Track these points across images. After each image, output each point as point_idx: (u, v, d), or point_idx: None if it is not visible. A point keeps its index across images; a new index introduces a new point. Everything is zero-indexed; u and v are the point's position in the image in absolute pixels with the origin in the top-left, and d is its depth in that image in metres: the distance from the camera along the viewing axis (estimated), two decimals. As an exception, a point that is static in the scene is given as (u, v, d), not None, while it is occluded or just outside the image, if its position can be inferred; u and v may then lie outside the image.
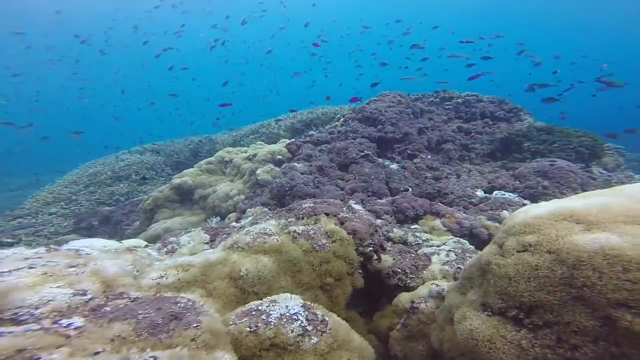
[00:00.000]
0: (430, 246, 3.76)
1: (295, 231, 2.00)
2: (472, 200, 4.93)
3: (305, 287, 1.75)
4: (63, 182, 13.75)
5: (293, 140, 7.14)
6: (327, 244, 1.98)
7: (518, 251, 1.35)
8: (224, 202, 5.78)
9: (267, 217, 2.32)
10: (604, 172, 6.57)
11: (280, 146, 6.98)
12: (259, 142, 8.46)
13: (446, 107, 8.54)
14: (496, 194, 5.01)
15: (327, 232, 2.08)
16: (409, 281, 3.01)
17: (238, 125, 16.38)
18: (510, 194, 4.98)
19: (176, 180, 6.62)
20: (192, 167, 7.79)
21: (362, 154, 5.53)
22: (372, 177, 5.14)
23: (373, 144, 6.17)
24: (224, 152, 7.89)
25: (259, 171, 5.72)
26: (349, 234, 2.26)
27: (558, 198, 4.78)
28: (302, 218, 2.27)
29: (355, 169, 5.37)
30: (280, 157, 6.45)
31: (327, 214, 2.35)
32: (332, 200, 2.70)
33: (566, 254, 1.18)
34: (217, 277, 1.54)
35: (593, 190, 4.67)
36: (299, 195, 5.09)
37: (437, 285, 1.96)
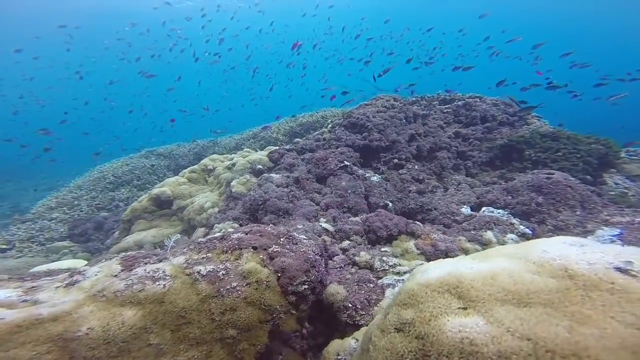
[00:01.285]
0: (397, 273, 3.58)
1: (199, 272, 1.86)
2: (457, 217, 4.69)
3: (194, 342, 1.61)
4: (69, 187, 14.13)
5: (276, 148, 7.05)
6: (239, 288, 1.84)
7: (395, 329, 1.19)
8: (198, 215, 5.75)
9: (183, 250, 2.20)
10: (620, 183, 6.15)
11: (263, 154, 6.90)
12: (246, 149, 8.42)
13: (444, 111, 8.23)
14: (484, 210, 4.75)
15: (243, 273, 1.95)
16: (358, 318, 2.85)
17: (238, 130, 16.56)
18: (500, 210, 4.71)
19: (154, 190, 6.65)
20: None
21: (341, 165, 5.37)
22: (349, 191, 4.98)
23: (356, 153, 5.99)
24: (208, 160, 7.88)
25: (233, 182, 5.65)
26: (276, 272, 2.12)
27: (553, 217, 4.48)
28: (226, 252, 2.16)
29: (332, 181, 5.22)
30: (260, 166, 6.37)
31: (254, 248, 2.22)
32: (270, 229, 2.57)
33: (431, 344, 1.03)
34: (34, 340, 1.34)
35: (594, 208, 4.30)
36: (271, 211, 4.99)
37: (357, 341, 1.80)
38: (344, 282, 3.29)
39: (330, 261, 3.80)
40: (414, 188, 5.43)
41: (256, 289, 1.87)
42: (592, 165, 5.94)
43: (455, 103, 8.49)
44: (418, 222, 4.51)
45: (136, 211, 6.51)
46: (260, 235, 2.36)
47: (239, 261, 2.03)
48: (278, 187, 5.41)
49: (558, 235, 4.45)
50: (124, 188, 13.57)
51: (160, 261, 1.95)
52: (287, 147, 7.14)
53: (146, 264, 2.10)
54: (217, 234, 2.60)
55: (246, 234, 2.38)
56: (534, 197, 4.70)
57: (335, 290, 3.08)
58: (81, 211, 12.36)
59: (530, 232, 4.30)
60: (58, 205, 12.88)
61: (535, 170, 5.31)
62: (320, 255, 2.59)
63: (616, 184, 6.18)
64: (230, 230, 4.70)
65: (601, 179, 6.06)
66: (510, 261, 1.20)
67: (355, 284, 3.25)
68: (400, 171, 5.86)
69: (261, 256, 2.16)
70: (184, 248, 2.17)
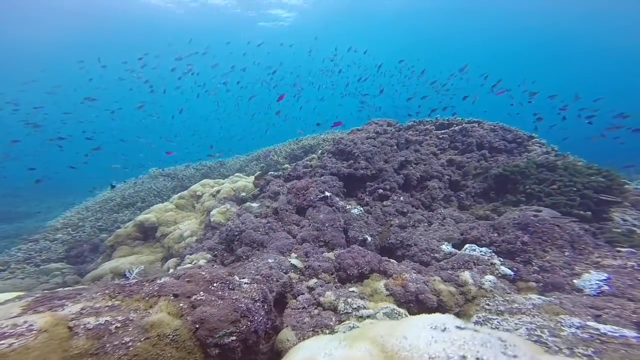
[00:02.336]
0: (360, 317, 3.51)
1: (86, 325, 1.84)
2: (436, 255, 4.59)
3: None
4: (77, 208, 14.49)
5: (263, 174, 7.17)
6: (131, 343, 1.83)
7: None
8: (176, 244, 5.86)
9: (94, 295, 2.21)
10: (630, 219, 5.87)
11: (249, 181, 7.02)
12: (237, 174, 8.59)
13: (440, 136, 8.22)
14: (466, 248, 4.64)
15: (145, 325, 1.95)
16: (302, 369, 2.80)
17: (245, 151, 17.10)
18: (483, 249, 4.59)
19: (139, 217, 6.85)
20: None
21: (321, 196, 5.40)
22: (327, 224, 4.99)
23: (340, 182, 6.03)
24: (198, 185, 8.09)
25: (213, 212, 5.77)
26: (194, 322, 2.13)
27: (539, 257, 4.32)
28: (143, 299, 2.18)
29: (311, 213, 5.25)
30: (244, 194, 6.48)
31: (175, 295, 2.24)
32: (205, 272, 2.59)
33: None
34: None
35: (585, 249, 4.12)
36: (246, 242, 5.04)
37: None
38: (300, 326, 3.26)
39: (294, 300, 3.78)
40: (397, 221, 5.37)
41: (154, 344, 1.85)
42: (591, 199, 5.72)
43: (452, 128, 8.47)
44: (392, 260, 4.45)
45: (119, 237, 6.69)
46: (189, 281, 2.39)
47: (149, 311, 2.05)
48: (256, 217, 5.48)
49: (544, 277, 4.27)
50: (127, 210, 13.75)
51: (59, 307, 1.99)
52: (275, 173, 7.26)
53: (63, 307, 2.10)
54: (145, 279, 2.64)
55: (177, 278, 2.42)
56: (520, 235, 4.56)
57: (286, 337, 3.05)
58: (84, 232, 12.57)
59: (511, 273, 4.16)
60: (63, 226, 13.13)
61: (524, 207, 5.18)
62: (262, 301, 2.60)
63: (624, 220, 5.91)
64: (204, 260, 4.76)
65: (607, 215, 5.83)
66: (368, 347, 1.21)
67: (311, 329, 3.21)
68: (385, 202, 5.83)
69: (181, 305, 2.18)
70: (97, 292, 2.20)
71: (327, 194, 5.43)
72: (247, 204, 6.11)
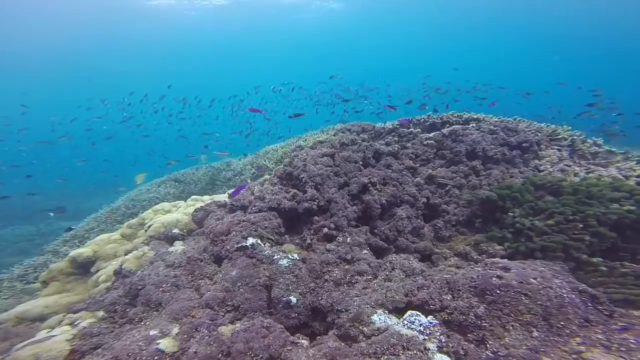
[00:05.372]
0: None
1: None
2: (364, 328, 3.83)
3: None
4: (89, 219, 14.85)
5: (203, 204, 6.67)
6: None
7: None
8: (95, 288, 5.62)
9: None
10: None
11: (189, 212, 6.58)
12: (194, 196, 8.19)
13: (425, 142, 7.11)
14: (405, 318, 3.82)
15: None
16: None
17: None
18: (426, 320, 3.74)
19: (73, 251, 6.73)
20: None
21: (242, 244, 4.79)
22: (239, 283, 4.40)
23: (278, 220, 5.35)
24: (150, 212, 7.81)
25: (128, 256, 5.42)
26: None
27: (496, 336, 3.43)
28: None
29: (225, 268, 4.68)
30: (177, 230, 6.05)
31: None
32: None
33: None
34: None
35: (564, 327, 3.16)
36: (143, 302, 4.63)
37: None
38: None
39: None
40: (336, 274, 4.63)
41: None
42: (608, 239, 4.46)
43: (442, 130, 7.31)
44: (302, 342, 3.77)
45: (52, 272, 6.62)
46: None
47: None
48: (169, 267, 5.02)
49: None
50: (130, 220, 13.68)
51: None
52: (221, 202, 6.72)
53: None
54: None
55: None
56: (474, 304, 3.65)
57: None
58: (88, 246, 12.68)
59: (451, 366, 3.30)
60: (72, 238, 13.38)
61: (489, 261, 4.18)
62: None
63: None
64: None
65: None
66: None
67: None
68: (328, 246, 5.08)
69: None
70: None
71: (249, 242, 4.79)
72: (172, 246, 5.67)
